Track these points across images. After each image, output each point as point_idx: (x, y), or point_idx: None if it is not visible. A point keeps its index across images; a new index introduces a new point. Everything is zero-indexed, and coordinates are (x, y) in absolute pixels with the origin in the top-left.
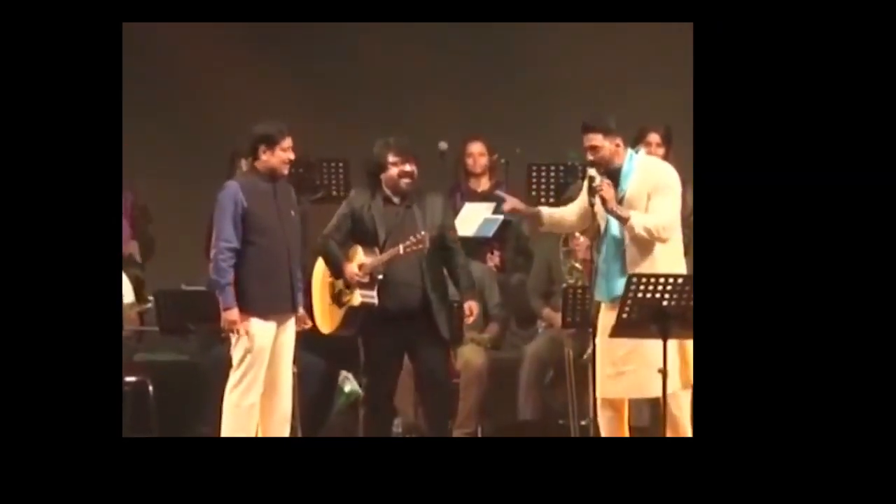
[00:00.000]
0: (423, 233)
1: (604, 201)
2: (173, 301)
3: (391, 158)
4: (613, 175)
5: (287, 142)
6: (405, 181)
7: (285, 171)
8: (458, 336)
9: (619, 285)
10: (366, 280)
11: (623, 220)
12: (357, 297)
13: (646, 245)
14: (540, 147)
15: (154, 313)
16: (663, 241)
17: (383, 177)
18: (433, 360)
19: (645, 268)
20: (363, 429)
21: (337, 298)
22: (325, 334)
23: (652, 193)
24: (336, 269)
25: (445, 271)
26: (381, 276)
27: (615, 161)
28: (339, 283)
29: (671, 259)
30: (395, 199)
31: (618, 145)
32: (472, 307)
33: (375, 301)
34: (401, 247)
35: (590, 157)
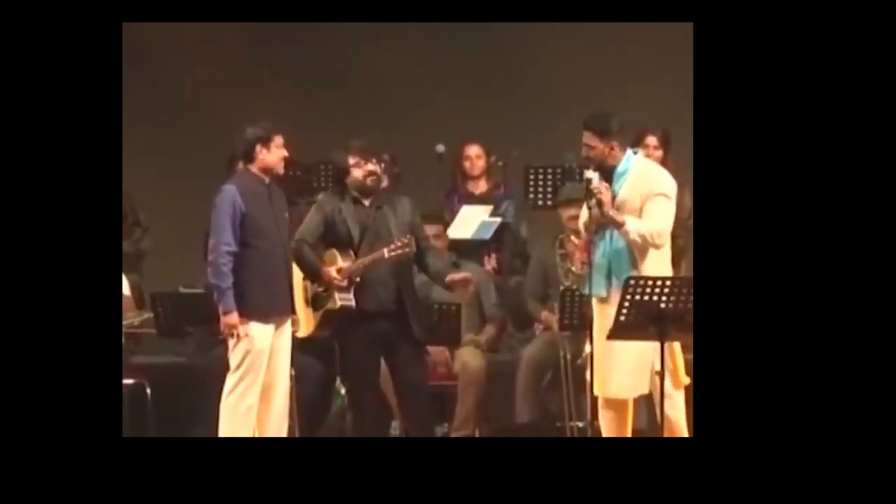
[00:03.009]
0: (408, 237)
1: (600, 204)
2: (171, 303)
3: (351, 160)
4: (607, 175)
5: (279, 139)
6: (370, 179)
7: (281, 169)
8: (455, 339)
9: (607, 282)
10: (345, 284)
11: (618, 225)
12: (336, 301)
13: (638, 250)
14: (537, 149)
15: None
16: (657, 247)
17: (348, 180)
18: (408, 360)
19: (632, 271)
20: (352, 430)
21: (312, 302)
22: (315, 335)
23: (647, 199)
24: (312, 274)
25: (417, 269)
26: (358, 279)
27: (608, 162)
28: (314, 286)
29: (659, 266)
30: (365, 201)
31: (612, 148)
32: (460, 274)
33: (353, 303)
34: (385, 251)
35: (584, 153)
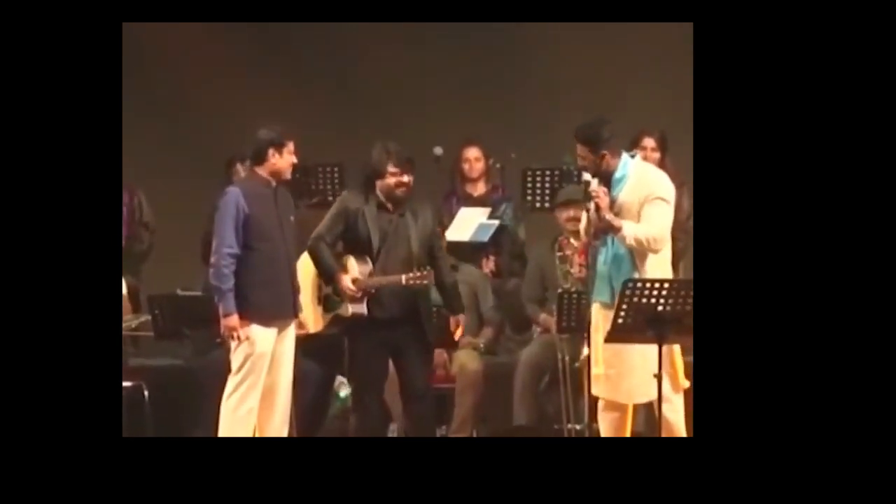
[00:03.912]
0: (428, 269)
1: (598, 209)
2: (168, 306)
3: (391, 168)
4: (605, 180)
5: (291, 145)
6: (400, 191)
7: (289, 175)
8: (448, 342)
9: (611, 289)
10: (359, 295)
11: (615, 230)
12: (348, 309)
13: (638, 253)
14: (535, 151)
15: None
16: (655, 251)
17: (378, 183)
18: (416, 365)
19: (634, 275)
20: (354, 432)
21: (324, 302)
22: (315, 337)
23: (645, 203)
24: (327, 275)
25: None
26: (372, 290)
27: (601, 169)
28: (328, 288)
29: (659, 268)
30: (389, 206)
31: (603, 157)
32: (458, 321)
33: (365, 312)
34: (403, 277)
35: (579, 163)
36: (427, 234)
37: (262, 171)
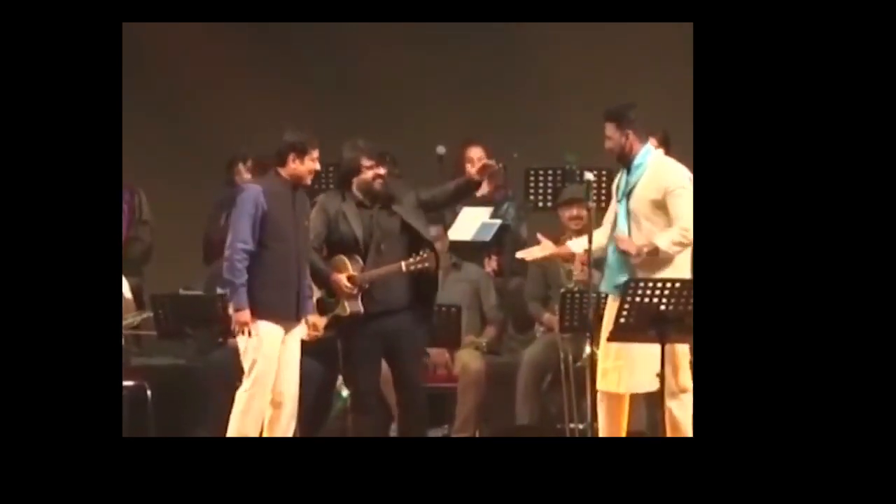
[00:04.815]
0: (427, 251)
1: (627, 254)
2: (171, 305)
3: (366, 162)
4: (626, 163)
5: (316, 152)
6: (378, 183)
7: (309, 181)
8: (455, 340)
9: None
10: (356, 292)
11: (655, 253)
12: (346, 308)
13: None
14: (537, 151)
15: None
16: (692, 242)
17: (356, 180)
18: (409, 361)
19: (648, 272)
20: (355, 432)
21: (318, 306)
22: (316, 337)
23: (667, 196)
24: (320, 280)
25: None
26: (367, 286)
27: (625, 152)
28: (321, 292)
29: (677, 265)
30: (367, 202)
31: (627, 137)
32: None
33: (362, 310)
34: (403, 264)
35: (606, 146)
36: (413, 207)
37: (283, 173)
